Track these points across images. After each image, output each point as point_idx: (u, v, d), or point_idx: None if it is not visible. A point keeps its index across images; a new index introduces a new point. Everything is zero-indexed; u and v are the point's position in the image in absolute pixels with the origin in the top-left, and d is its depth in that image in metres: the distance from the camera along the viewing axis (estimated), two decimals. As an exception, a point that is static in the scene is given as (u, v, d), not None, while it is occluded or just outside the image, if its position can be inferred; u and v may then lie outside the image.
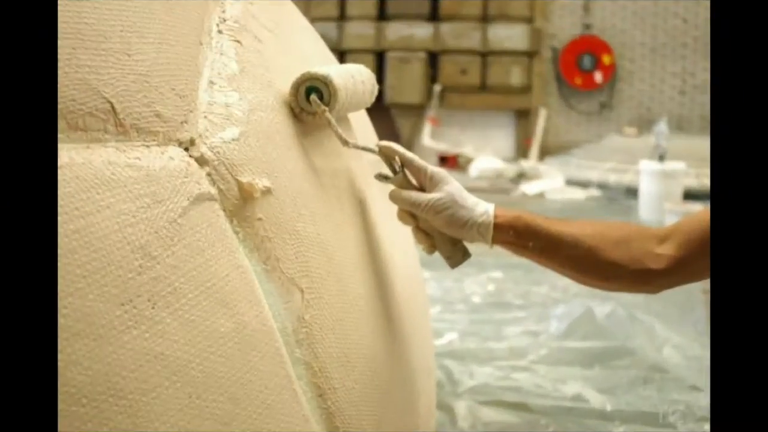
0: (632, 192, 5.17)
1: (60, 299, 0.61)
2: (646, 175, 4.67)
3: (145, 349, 0.66)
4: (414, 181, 1.09)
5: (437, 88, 7.20)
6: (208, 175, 0.80)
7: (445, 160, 6.89)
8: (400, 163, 1.08)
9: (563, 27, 7.33)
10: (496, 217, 1.07)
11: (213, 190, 0.79)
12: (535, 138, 6.89)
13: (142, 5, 0.81)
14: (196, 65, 0.85)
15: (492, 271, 3.14)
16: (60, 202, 0.64)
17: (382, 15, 7.36)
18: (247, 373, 0.76)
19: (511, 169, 6.36)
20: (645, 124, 7.02)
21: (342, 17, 7.34)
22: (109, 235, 0.66)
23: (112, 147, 0.71)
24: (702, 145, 5.55)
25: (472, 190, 1.11)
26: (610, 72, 7.21)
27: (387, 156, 1.08)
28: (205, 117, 0.83)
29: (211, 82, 0.86)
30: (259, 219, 0.84)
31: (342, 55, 6.99)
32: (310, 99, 0.97)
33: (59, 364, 0.60)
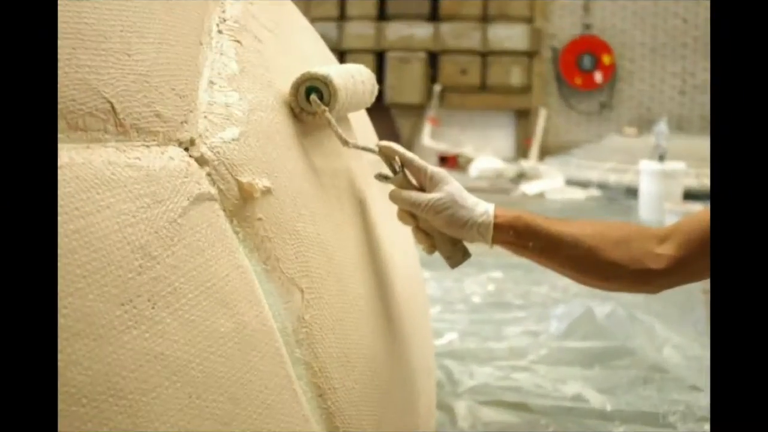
0: (632, 192, 5.17)
1: (60, 299, 0.61)
2: (646, 175, 4.67)
3: (145, 349, 0.66)
4: (414, 181, 1.09)
5: (437, 88, 7.20)
6: (208, 175, 0.80)
7: (445, 160, 6.89)
8: (400, 163, 1.08)
9: (563, 27, 7.33)
10: (496, 217, 1.07)
11: (213, 190, 0.79)
12: (535, 138, 6.89)
13: (142, 5, 0.81)
14: (196, 65, 0.85)
15: (492, 271, 3.14)
16: (60, 202, 0.64)
17: (382, 15, 7.36)
18: (247, 373, 0.76)
19: (511, 169, 6.36)
20: (645, 124, 7.02)
21: (342, 17, 7.34)
22: (109, 235, 0.66)
23: (112, 147, 0.71)
24: (702, 145, 5.55)
25: (472, 190, 1.11)
26: (610, 72, 7.21)
27: (387, 156, 1.08)
28: (205, 117, 0.83)
29: (211, 82, 0.86)
30: (259, 219, 0.84)
31: (342, 55, 6.99)
32: (310, 99, 0.97)
33: (59, 364, 0.60)
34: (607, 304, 2.41)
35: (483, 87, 7.24)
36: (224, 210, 0.80)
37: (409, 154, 1.08)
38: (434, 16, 7.31)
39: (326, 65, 1.05)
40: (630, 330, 2.29)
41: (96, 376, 0.62)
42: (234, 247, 0.80)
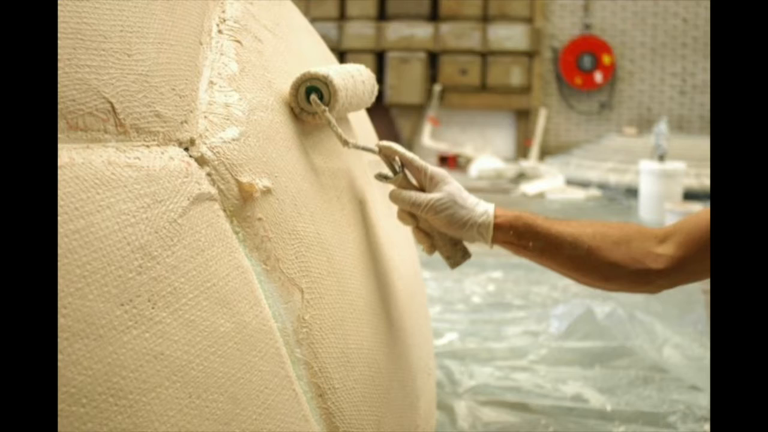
0: (632, 192, 5.17)
1: (60, 299, 0.61)
2: (646, 175, 4.67)
3: (145, 349, 0.66)
4: (414, 181, 1.09)
5: (437, 88, 7.20)
6: (208, 175, 0.80)
7: (445, 160, 6.89)
8: (400, 163, 1.08)
9: (563, 27, 7.33)
10: (496, 217, 1.07)
11: (213, 190, 0.79)
12: (535, 138, 6.89)
13: (142, 5, 0.81)
14: (196, 65, 0.85)
15: (492, 271, 3.14)
16: (60, 202, 0.64)
17: (382, 15, 7.35)
18: (247, 373, 0.76)
19: (511, 169, 6.36)
20: (645, 124, 7.02)
21: (342, 17, 7.34)
22: (109, 235, 0.66)
23: (112, 147, 0.71)
24: (702, 145, 5.56)
25: (472, 190, 1.11)
26: (610, 72, 7.21)
27: (387, 156, 1.08)
28: (205, 117, 0.83)
29: (211, 82, 0.86)
30: (259, 219, 0.84)
31: (342, 55, 6.99)
32: (310, 99, 0.97)
33: (59, 364, 0.60)
34: (607, 304, 2.41)
35: (483, 87, 7.24)
36: (224, 210, 0.80)
37: (409, 154, 1.08)
38: (434, 16, 7.31)
39: (326, 65, 1.05)
40: (630, 330, 2.29)
41: (96, 376, 0.62)
42: (234, 247, 0.80)
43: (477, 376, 2.05)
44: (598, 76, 7.21)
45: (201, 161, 0.80)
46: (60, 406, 0.60)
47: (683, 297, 2.65)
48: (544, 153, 7.01)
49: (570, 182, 5.80)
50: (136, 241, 0.68)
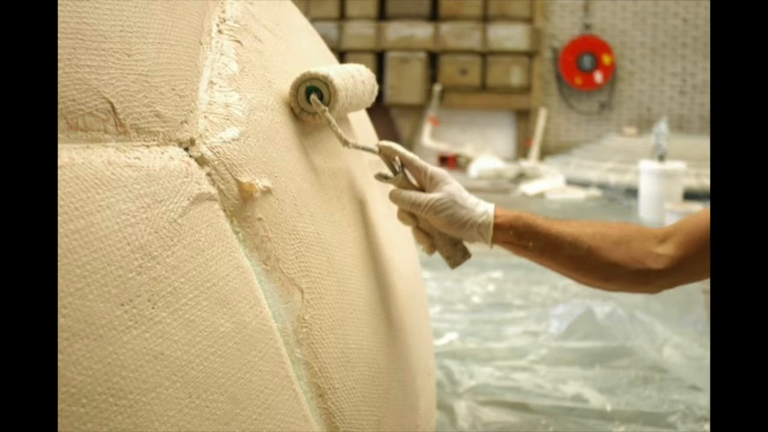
0: (632, 192, 5.17)
1: (60, 299, 0.61)
2: (646, 175, 4.67)
3: (145, 349, 0.66)
4: (414, 181, 1.09)
5: (437, 88, 7.20)
6: (208, 175, 0.80)
7: (445, 160, 6.89)
8: (400, 163, 1.08)
9: (563, 27, 7.33)
10: (496, 217, 1.07)
11: (213, 190, 0.79)
12: (535, 138, 6.89)
13: (142, 5, 0.81)
14: (196, 65, 0.85)
15: (492, 271, 3.14)
16: (60, 202, 0.64)
17: (382, 15, 7.35)
18: (247, 373, 0.76)
19: (511, 169, 6.36)
20: (645, 124, 7.02)
21: (342, 17, 7.34)
22: (109, 235, 0.66)
23: (112, 147, 0.71)
24: (702, 145, 5.56)
25: (472, 190, 1.11)
26: (610, 72, 7.21)
27: (387, 156, 1.08)
28: (205, 117, 0.83)
29: (211, 82, 0.86)
30: (259, 219, 0.84)
31: (342, 55, 6.99)
32: (310, 99, 0.97)
33: (59, 364, 0.60)
34: (607, 304, 2.41)
35: (483, 87, 7.24)
36: (224, 210, 0.80)
37: (409, 154, 1.08)
38: (434, 16, 7.31)
39: (326, 65, 1.05)
40: (630, 330, 2.29)
41: (96, 376, 0.62)
42: (234, 247, 0.80)
43: (477, 376, 2.05)
44: (598, 76, 7.21)
45: (201, 161, 0.80)
46: (60, 406, 0.60)
47: (683, 297, 2.65)
48: (544, 153, 7.01)
49: (570, 182, 5.80)
50: (136, 241, 0.68)
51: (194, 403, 0.69)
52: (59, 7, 0.70)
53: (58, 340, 0.60)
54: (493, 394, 1.95)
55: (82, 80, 0.70)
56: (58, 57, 0.69)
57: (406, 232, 1.31)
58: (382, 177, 1.09)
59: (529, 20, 7.24)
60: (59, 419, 0.59)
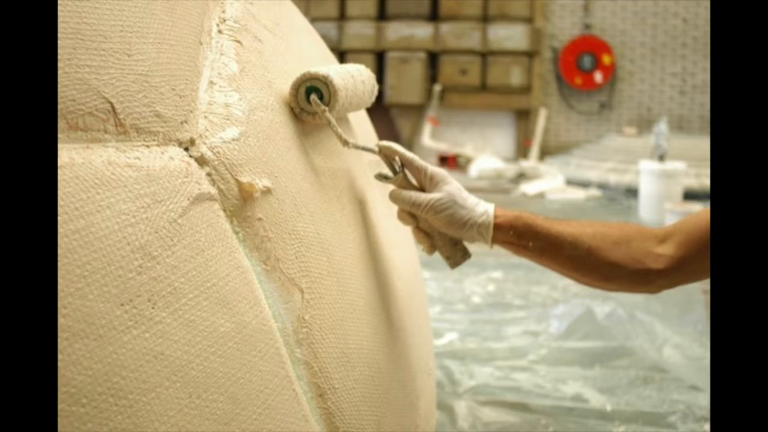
0: (632, 192, 5.17)
1: (60, 299, 0.61)
2: (646, 175, 4.67)
3: (145, 349, 0.66)
4: (414, 181, 1.09)
5: (437, 88, 7.20)
6: (208, 175, 0.80)
7: (445, 160, 6.89)
8: (400, 163, 1.08)
9: (563, 27, 7.33)
10: (496, 217, 1.07)
11: (213, 190, 0.79)
12: (535, 138, 6.89)
13: (142, 5, 0.81)
14: (196, 65, 0.85)
15: (492, 271, 3.14)
16: (60, 202, 0.64)
17: (382, 15, 7.35)
18: (247, 373, 0.76)
19: (511, 169, 6.36)
20: (645, 124, 7.02)
21: (342, 17, 7.34)
22: (109, 235, 0.66)
23: (112, 147, 0.71)
24: (702, 145, 5.56)
25: (472, 190, 1.11)
26: (610, 72, 7.21)
27: (387, 156, 1.08)
28: (205, 117, 0.83)
29: (211, 82, 0.86)
30: (259, 219, 0.84)
31: (342, 55, 6.99)
32: (310, 99, 0.97)
33: (59, 364, 0.60)
34: (607, 304, 2.41)
35: (483, 87, 7.24)
36: (224, 210, 0.80)
37: (409, 154, 1.08)
38: (434, 16, 7.31)
39: (326, 65, 1.05)
40: (630, 330, 2.29)
41: (96, 376, 0.62)
42: (234, 247, 0.80)
43: (477, 376, 2.05)
44: (598, 76, 7.21)
45: (201, 161, 0.80)
46: (60, 406, 0.60)
47: (683, 297, 2.65)
48: (544, 153, 7.01)
49: (570, 182, 5.80)
50: (136, 241, 0.68)
51: (194, 403, 0.69)
52: (59, 7, 0.70)
53: (58, 340, 0.60)
54: (493, 394, 1.95)
55: (82, 80, 0.70)
56: (58, 57, 0.69)
57: (406, 232, 1.31)
58: (382, 177, 1.09)
59: (529, 20, 7.24)
60: (59, 419, 0.59)
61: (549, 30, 7.33)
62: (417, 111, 7.36)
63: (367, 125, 1.38)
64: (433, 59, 7.32)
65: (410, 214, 1.09)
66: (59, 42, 0.69)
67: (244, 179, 0.83)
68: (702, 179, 5.19)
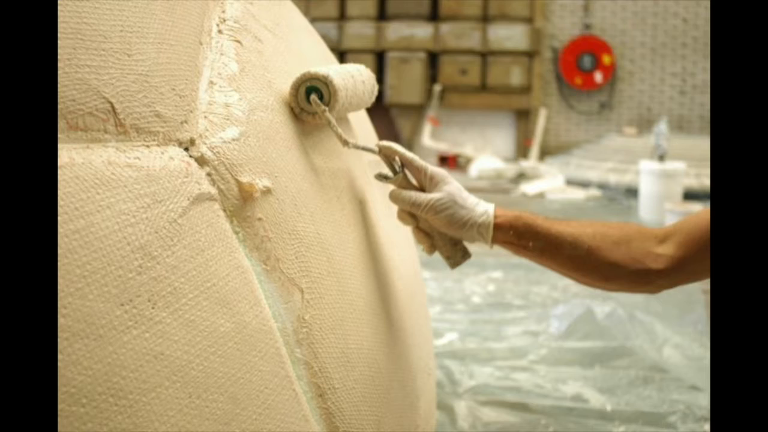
0: (632, 192, 5.17)
1: (60, 299, 0.61)
2: (646, 175, 4.67)
3: (145, 349, 0.66)
4: (414, 181, 1.09)
5: (437, 88, 7.20)
6: (208, 175, 0.80)
7: (445, 160, 6.89)
8: (400, 163, 1.08)
9: (563, 27, 7.33)
10: (496, 217, 1.07)
11: (213, 190, 0.79)
12: (535, 138, 6.89)
13: (142, 5, 0.81)
14: (196, 65, 0.85)
15: (492, 271, 3.14)
16: (60, 202, 0.64)
17: (382, 15, 7.35)
18: (247, 373, 0.76)
19: (511, 169, 6.36)
20: (645, 124, 7.02)
21: (342, 17, 7.34)
22: (109, 235, 0.66)
23: (112, 147, 0.71)
24: (702, 145, 5.56)
25: (472, 190, 1.11)
26: (610, 72, 7.21)
27: (387, 156, 1.08)
28: (205, 117, 0.83)
29: (211, 82, 0.86)
30: (259, 219, 0.84)
31: (342, 55, 6.99)
32: (310, 99, 0.97)
33: (59, 364, 0.60)
34: (607, 304, 2.41)
35: (483, 87, 7.24)
36: (224, 210, 0.80)
37: (409, 154, 1.08)
38: (434, 16, 7.31)
39: (326, 65, 1.05)
40: (630, 330, 2.29)
41: (96, 376, 0.62)
42: (234, 247, 0.80)
43: (477, 376, 2.05)
44: (598, 76, 7.21)
45: (201, 161, 0.80)
46: (60, 406, 0.60)
47: (683, 297, 2.65)
48: (544, 153, 7.01)
49: (570, 182, 5.80)
50: (136, 241, 0.68)
51: (194, 403, 0.69)
52: (59, 7, 0.70)
53: (58, 340, 0.60)
54: (493, 394, 1.95)
55: (82, 80, 0.70)
56: (58, 57, 0.69)
57: (406, 232, 1.31)
58: (382, 177, 1.09)
59: (529, 20, 7.24)
60: (59, 419, 0.59)
61: (549, 30, 7.33)
62: (417, 111, 7.36)
63: (367, 125, 1.38)
64: (433, 59, 7.32)
65: (410, 214, 1.09)
66: (59, 42, 0.69)
67: (244, 179, 0.83)
68: (702, 179, 5.19)
